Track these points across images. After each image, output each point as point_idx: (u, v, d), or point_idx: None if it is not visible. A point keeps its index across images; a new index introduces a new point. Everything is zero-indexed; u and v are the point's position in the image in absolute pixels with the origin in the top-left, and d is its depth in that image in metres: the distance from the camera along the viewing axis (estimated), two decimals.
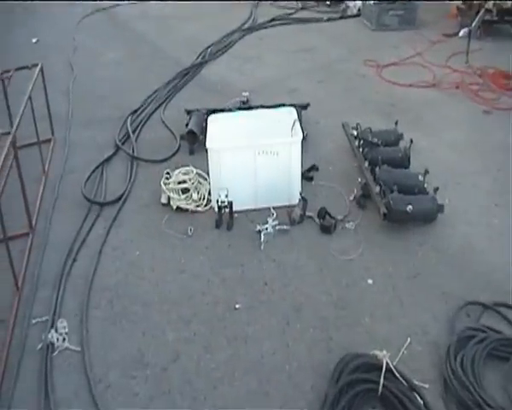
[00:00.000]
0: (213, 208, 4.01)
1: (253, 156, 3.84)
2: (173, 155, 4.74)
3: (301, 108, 5.03)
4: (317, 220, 3.87)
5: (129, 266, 3.57)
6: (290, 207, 3.94)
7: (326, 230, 3.79)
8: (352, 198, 4.11)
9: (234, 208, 3.87)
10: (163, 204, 4.08)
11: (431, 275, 3.51)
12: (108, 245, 3.75)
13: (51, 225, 3.91)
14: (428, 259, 3.63)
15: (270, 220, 3.78)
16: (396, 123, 4.67)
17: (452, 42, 7.07)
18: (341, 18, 7.84)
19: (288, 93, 5.75)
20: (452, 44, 6.91)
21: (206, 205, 4.06)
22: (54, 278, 3.46)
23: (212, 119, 4.17)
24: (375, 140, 4.40)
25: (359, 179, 4.10)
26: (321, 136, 4.95)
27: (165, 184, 4.10)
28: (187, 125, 4.90)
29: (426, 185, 3.96)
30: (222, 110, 4.95)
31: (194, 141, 4.73)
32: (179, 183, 4.09)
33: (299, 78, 6.15)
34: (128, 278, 3.47)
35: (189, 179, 4.10)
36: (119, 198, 4.16)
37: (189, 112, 5.06)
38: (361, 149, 4.39)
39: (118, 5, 8.92)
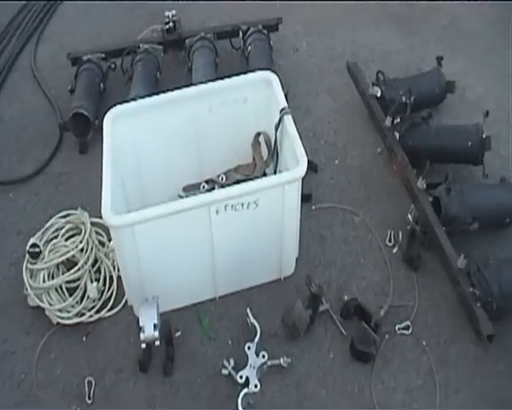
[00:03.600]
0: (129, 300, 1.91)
1: (208, 218, 1.66)
2: (50, 159, 2.42)
3: (268, 28, 2.71)
4: (338, 323, 1.82)
5: None
6: (286, 305, 1.81)
7: (364, 358, 1.76)
8: (389, 243, 2.03)
9: (171, 306, 1.82)
10: (33, 308, 1.92)
11: None
12: None
13: None
14: None
15: (249, 351, 1.70)
16: (440, 61, 2.46)
17: None
18: None
19: None
20: None
21: (115, 298, 1.92)
22: None
23: (109, 121, 1.82)
24: (409, 104, 2.20)
25: (409, 216, 1.97)
26: (308, 79, 2.68)
27: (31, 271, 1.89)
28: (72, 91, 2.54)
29: None
30: (131, 52, 2.59)
31: (87, 129, 2.40)
32: (62, 266, 1.90)
33: None
34: None
35: (82, 251, 1.90)
36: None
37: (74, 61, 2.64)
38: (397, 133, 2.20)
39: None
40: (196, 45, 2.61)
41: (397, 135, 2.17)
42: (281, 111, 1.82)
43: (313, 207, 2.15)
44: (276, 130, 1.87)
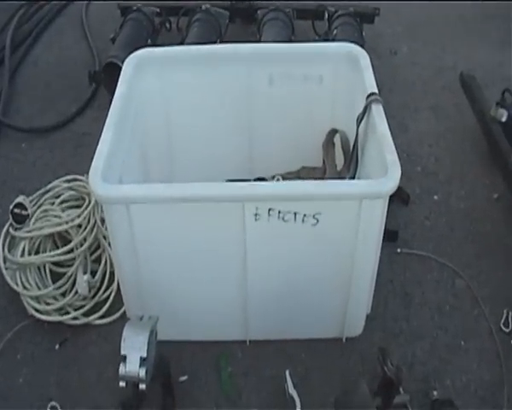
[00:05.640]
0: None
1: (241, 222, 1.07)
2: (77, 114, 1.99)
3: (361, 17, 2.16)
4: None
5: None
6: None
7: None
8: (505, 328, 1.34)
9: (180, 336, 1.27)
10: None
11: None
12: None
13: None
14: None
15: None
16: None
17: None
18: None
19: None
20: None
21: (112, 304, 1.37)
22: None
23: (130, 67, 1.31)
24: None
25: None
26: (407, 90, 2.09)
27: (11, 238, 1.42)
28: (113, 40, 2.06)
29: None
30: (190, 12, 2.11)
31: None
32: (51, 243, 1.41)
33: None
34: None
35: (79, 229, 1.40)
36: None
37: (124, 10, 2.18)
38: None
39: None
40: (269, 16, 2.12)
41: None
42: (368, 97, 1.23)
43: (398, 251, 1.53)
44: (359, 123, 1.27)
